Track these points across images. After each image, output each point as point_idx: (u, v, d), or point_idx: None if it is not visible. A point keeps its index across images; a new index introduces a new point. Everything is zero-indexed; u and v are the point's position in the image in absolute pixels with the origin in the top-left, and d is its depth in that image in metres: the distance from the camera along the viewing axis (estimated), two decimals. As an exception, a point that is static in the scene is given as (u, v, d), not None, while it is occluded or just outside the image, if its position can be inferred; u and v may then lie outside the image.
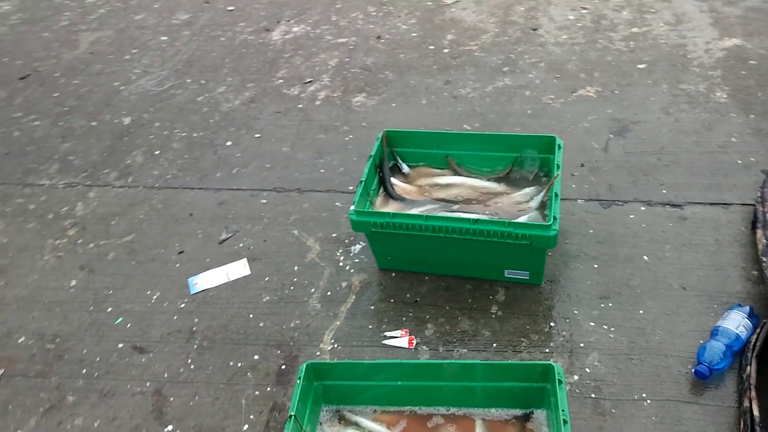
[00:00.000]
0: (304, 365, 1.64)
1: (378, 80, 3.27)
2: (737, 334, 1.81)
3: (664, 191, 2.42)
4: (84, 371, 2.10)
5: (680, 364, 1.87)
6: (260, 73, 3.47)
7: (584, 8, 3.62)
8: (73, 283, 2.41)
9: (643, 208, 2.37)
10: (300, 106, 3.17)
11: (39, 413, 1.99)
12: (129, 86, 3.54)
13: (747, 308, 1.89)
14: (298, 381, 1.61)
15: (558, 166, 2.10)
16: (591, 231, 2.31)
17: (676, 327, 1.96)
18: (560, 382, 1.53)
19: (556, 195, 2.00)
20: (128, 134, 3.16)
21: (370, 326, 2.10)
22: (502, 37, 3.49)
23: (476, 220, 1.95)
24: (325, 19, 3.92)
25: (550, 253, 2.24)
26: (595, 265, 2.19)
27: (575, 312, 2.06)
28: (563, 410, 1.47)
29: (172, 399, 1.99)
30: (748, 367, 1.73)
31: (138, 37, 4.04)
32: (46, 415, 1.99)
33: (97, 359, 2.13)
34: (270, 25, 3.95)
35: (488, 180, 2.30)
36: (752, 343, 1.79)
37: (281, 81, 3.38)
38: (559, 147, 2.17)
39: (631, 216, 2.34)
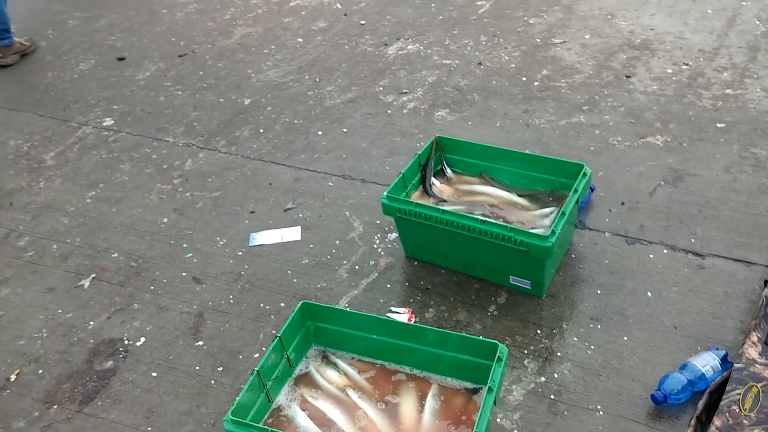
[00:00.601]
0: (300, 303, 1.98)
1: (464, 100, 3.56)
2: (702, 372, 1.89)
3: (692, 240, 2.48)
4: (152, 288, 2.59)
5: (643, 389, 1.97)
6: (366, 80, 3.89)
7: (686, 64, 3.67)
8: (165, 220, 2.94)
9: (665, 251, 2.45)
10: (389, 111, 3.54)
11: (110, 311, 2.50)
12: (259, 74, 4.11)
13: (722, 353, 1.95)
14: (292, 315, 1.95)
15: (576, 191, 2.27)
16: (607, 261, 2.44)
17: (653, 358, 2.06)
18: (499, 359, 1.73)
19: (563, 213, 2.18)
20: (244, 113, 3.70)
21: (381, 300, 2.39)
22: (594, 78, 3.64)
23: (483, 221, 2.19)
24: (438, 41, 4.27)
25: (560, 273, 2.41)
26: (599, 291, 2.32)
27: (564, 326, 2.21)
28: (493, 381, 1.68)
29: (208, 322, 2.41)
30: (700, 401, 1.81)
31: (279, 36, 4.63)
32: (115, 314, 2.49)
33: (164, 281, 2.61)
34: (389, 40, 4.37)
35: (517, 195, 2.51)
36: (714, 382, 1.86)
37: (381, 88, 3.77)
38: (584, 174, 2.34)
39: (651, 256, 2.44)
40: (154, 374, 2.23)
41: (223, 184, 3.12)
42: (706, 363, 1.91)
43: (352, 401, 1.88)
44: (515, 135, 3.21)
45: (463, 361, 1.85)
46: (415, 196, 2.55)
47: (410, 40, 4.34)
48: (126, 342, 2.37)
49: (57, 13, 5.09)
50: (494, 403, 1.66)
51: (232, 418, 1.66)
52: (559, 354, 2.12)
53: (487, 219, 2.21)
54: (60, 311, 2.53)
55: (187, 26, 4.94)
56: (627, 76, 3.62)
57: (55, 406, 2.16)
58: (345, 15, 4.81)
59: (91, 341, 2.39)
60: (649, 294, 2.28)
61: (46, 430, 2.09)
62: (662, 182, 2.80)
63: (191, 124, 3.65)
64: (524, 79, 3.70)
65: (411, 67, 3.98)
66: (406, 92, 3.71)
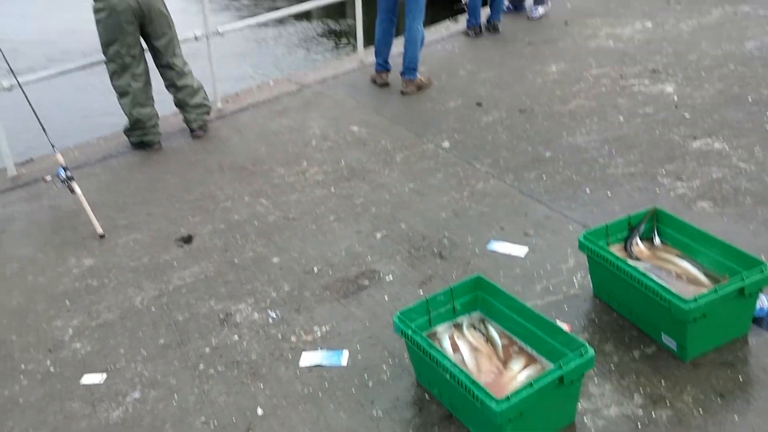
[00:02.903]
0: (475, 275, 2.80)
1: (734, 200, 3.77)
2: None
3: None
4: (411, 249, 3.67)
5: None
6: (654, 161, 4.34)
7: None
8: (443, 215, 4.01)
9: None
10: (657, 190, 3.98)
11: (380, 257, 3.67)
12: (569, 138, 4.90)
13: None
14: (466, 279, 2.78)
15: (742, 279, 2.54)
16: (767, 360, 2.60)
17: (745, 435, 2.27)
18: (581, 355, 2.28)
19: (715, 291, 2.50)
20: (540, 161, 4.55)
21: (552, 314, 3.01)
22: None
23: (644, 274, 2.65)
24: (748, 146, 4.41)
25: (718, 352, 2.66)
26: (740, 378, 2.53)
27: (688, 388, 2.52)
28: (565, 362, 2.24)
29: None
30: None
31: (606, 112, 5.30)
32: (379, 258, 3.64)
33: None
34: (700, 135, 4.67)
35: (703, 274, 2.83)
36: None
37: (664, 171, 4.20)
38: (762, 271, 2.57)
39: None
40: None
41: (493, 204, 4.05)
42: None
43: (481, 351, 2.62)
44: (764, 239, 3.36)
45: (564, 353, 2.42)
46: (615, 249, 3.07)
47: (721, 138, 4.58)
48: (376, 276, 3.49)
49: (455, 64, 6.62)
50: (561, 383, 2.23)
51: (399, 317, 2.59)
52: (668, 403, 2.47)
53: (648, 274, 2.66)
54: (357, 245, 3.80)
55: (540, 90, 5.97)
56: None
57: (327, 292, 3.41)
58: (675, 107, 5.23)
59: (356, 271, 3.58)
60: (785, 394, 2.41)
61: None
62: None
63: (498, 160, 4.66)
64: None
65: (704, 161, 4.28)
66: (683, 179, 4.07)
